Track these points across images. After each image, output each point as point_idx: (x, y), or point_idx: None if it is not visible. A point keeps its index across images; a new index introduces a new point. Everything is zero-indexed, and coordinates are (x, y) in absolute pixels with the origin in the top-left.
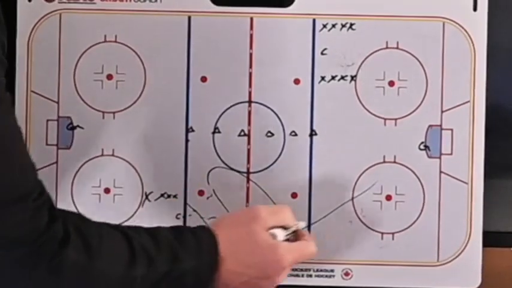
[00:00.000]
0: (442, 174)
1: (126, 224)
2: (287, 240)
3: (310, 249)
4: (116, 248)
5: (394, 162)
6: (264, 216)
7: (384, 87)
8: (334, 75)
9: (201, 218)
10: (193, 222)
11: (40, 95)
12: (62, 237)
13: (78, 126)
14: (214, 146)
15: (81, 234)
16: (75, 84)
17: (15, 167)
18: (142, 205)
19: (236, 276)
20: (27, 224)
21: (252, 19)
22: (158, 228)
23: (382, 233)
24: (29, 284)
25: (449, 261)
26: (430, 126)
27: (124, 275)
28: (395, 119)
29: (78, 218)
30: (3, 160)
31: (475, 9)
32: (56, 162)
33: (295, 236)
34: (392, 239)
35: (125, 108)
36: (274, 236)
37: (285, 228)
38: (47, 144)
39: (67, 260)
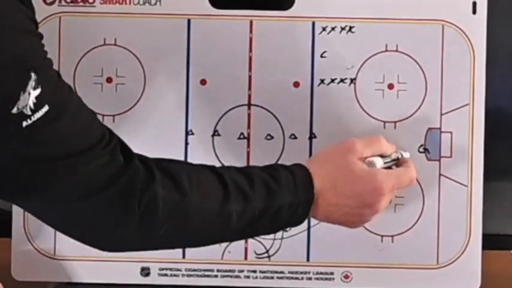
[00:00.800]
0: (442, 177)
1: None
2: (388, 168)
3: (409, 175)
4: (207, 184)
5: None
6: (359, 147)
7: (383, 90)
8: (333, 78)
9: None
10: None
11: None
12: (146, 175)
13: None
14: (214, 149)
15: (166, 172)
16: (74, 87)
17: (83, 119)
18: None
19: (336, 208)
20: (106, 167)
21: (251, 22)
22: (250, 167)
23: (382, 236)
24: (124, 228)
25: (449, 264)
26: (429, 129)
27: (219, 210)
28: (395, 122)
29: (159, 159)
30: (74, 115)
31: (474, 12)
32: None
33: (396, 165)
34: (392, 241)
35: (125, 111)
36: (372, 164)
37: (383, 156)
38: None
39: (157, 197)
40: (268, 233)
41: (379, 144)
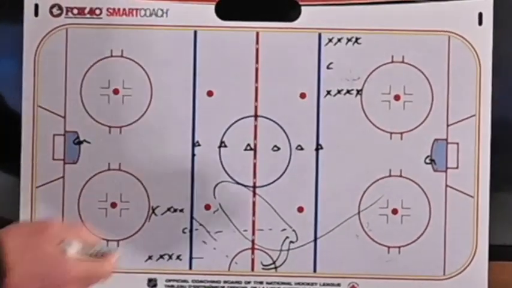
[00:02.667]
0: (448, 188)
1: (132, 238)
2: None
3: (101, 270)
4: None
5: (400, 176)
6: (55, 229)
7: (389, 101)
8: (340, 89)
9: (208, 232)
10: (199, 236)
11: (47, 109)
12: None
13: (84, 140)
14: (220, 160)
15: None
16: (81, 99)
17: None
18: (149, 219)
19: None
20: None
21: (258, 33)
22: None
23: (389, 247)
24: None
25: (456, 275)
26: (435, 140)
27: None
28: (401, 133)
29: None
30: None
31: (480, 23)
32: (63, 177)
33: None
34: (399, 252)
35: (132, 123)
36: (65, 249)
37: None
38: (53, 159)
39: None
40: None
41: (78, 231)
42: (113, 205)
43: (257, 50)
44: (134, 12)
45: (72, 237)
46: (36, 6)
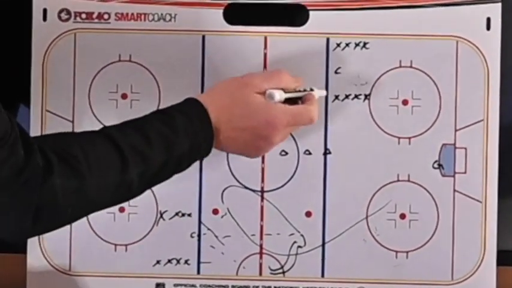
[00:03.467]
0: (456, 193)
1: (140, 243)
2: (292, 103)
3: (308, 115)
4: (104, 158)
5: (408, 180)
6: (257, 81)
7: (397, 106)
8: (348, 94)
9: (216, 236)
10: (207, 241)
11: (55, 114)
12: (44, 167)
13: None
14: (228, 164)
15: (63, 158)
16: (89, 103)
17: None
18: (157, 224)
19: (233, 141)
20: (6, 163)
21: (266, 38)
22: (147, 119)
23: (396, 252)
24: (28, 220)
25: (464, 280)
26: (443, 145)
27: (119, 180)
28: (409, 138)
29: (57, 140)
30: None
31: (488, 28)
32: None
33: (302, 101)
34: (407, 257)
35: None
36: (270, 97)
37: (286, 91)
38: None
39: (56, 187)
40: (173, 174)
41: (278, 79)
42: (121, 209)
43: (265, 54)
44: (142, 16)
45: (274, 85)
46: (45, 10)
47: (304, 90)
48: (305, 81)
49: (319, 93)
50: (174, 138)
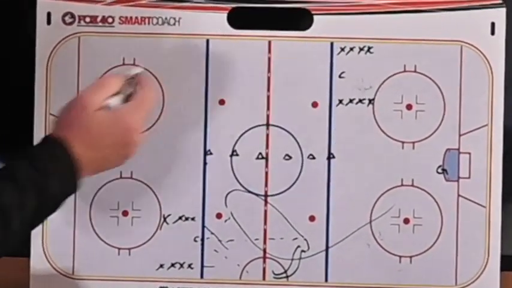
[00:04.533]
0: (460, 198)
1: (144, 247)
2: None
3: (148, 95)
4: None
5: (412, 185)
6: (90, 97)
7: (401, 110)
8: (352, 98)
9: (219, 241)
10: (211, 245)
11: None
12: None
13: None
14: (232, 168)
15: None
16: None
17: None
18: (160, 228)
19: (100, 162)
20: None
21: (270, 42)
22: (15, 166)
23: (400, 257)
24: None
25: (467, 285)
26: (447, 149)
27: None
28: (413, 143)
29: None
30: None
31: (492, 33)
32: None
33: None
34: (410, 262)
35: (143, 131)
36: (108, 108)
37: (118, 94)
38: None
39: None
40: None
41: (107, 87)
42: (125, 213)
43: (269, 58)
44: (146, 20)
45: (107, 94)
46: (49, 14)
47: (129, 90)
48: (309, 86)
49: (135, 70)
50: (43, 182)
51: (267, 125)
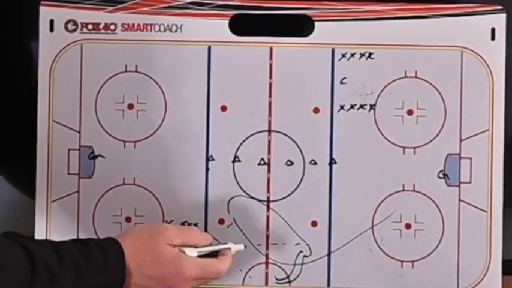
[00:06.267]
0: (461, 203)
1: None
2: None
3: (217, 267)
4: (15, 266)
5: (413, 190)
6: (170, 233)
7: (402, 116)
8: (353, 104)
9: None
10: None
11: (62, 124)
12: None
13: (99, 155)
14: (234, 174)
15: None
16: (96, 114)
17: None
18: None
19: (136, 285)
20: None
21: (271, 49)
22: (64, 241)
23: (402, 261)
24: None
25: None
26: (448, 154)
27: None
28: (414, 148)
29: None
30: None
31: (493, 38)
32: (78, 192)
33: (217, 254)
34: (412, 267)
35: (146, 138)
36: (183, 251)
37: (197, 247)
38: (68, 173)
39: None
40: None
41: (190, 235)
42: (128, 219)
43: (271, 65)
44: (149, 27)
45: (184, 240)
46: (52, 21)
47: (218, 245)
48: (310, 92)
49: (235, 247)
50: (85, 268)
51: (269, 131)
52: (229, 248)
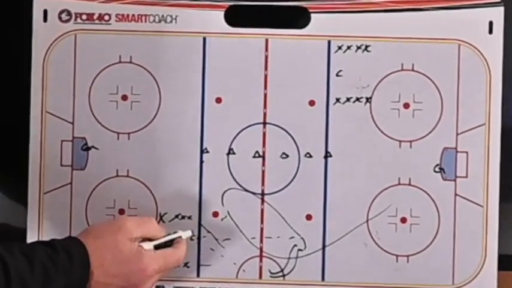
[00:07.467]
0: (457, 197)
1: None
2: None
3: (176, 256)
4: None
5: (409, 184)
6: (130, 226)
7: (399, 109)
8: (349, 97)
9: (216, 239)
10: (207, 243)
11: (55, 115)
12: None
13: (92, 147)
14: (229, 167)
15: None
16: (90, 105)
17: None
18: None
19: (103, 286)
20: None
21: (267, 40)
22: (33, 246)
23: (397, 256)
24: None
25: (465, 285)
26: (445, 148)
27: None
28: (411, 141)
29: None
30: None
31: (490, 32)
32: (71, 183)
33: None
34: (407, 261)
35: (140, 129)
36: (141, 247)
37: (152, 240)
38: (61, 165)
39: None
40: None
41: (149, 227)
42: (121, 212)
43: (266, 57)
44: (143, 18)
45: (144, 233)
46: (45, 11)
47: (169, 235)
48: (306, 84)
49: (184, 234)
50: (52, 272)
51: (264, 123)
52: (180, 236)
